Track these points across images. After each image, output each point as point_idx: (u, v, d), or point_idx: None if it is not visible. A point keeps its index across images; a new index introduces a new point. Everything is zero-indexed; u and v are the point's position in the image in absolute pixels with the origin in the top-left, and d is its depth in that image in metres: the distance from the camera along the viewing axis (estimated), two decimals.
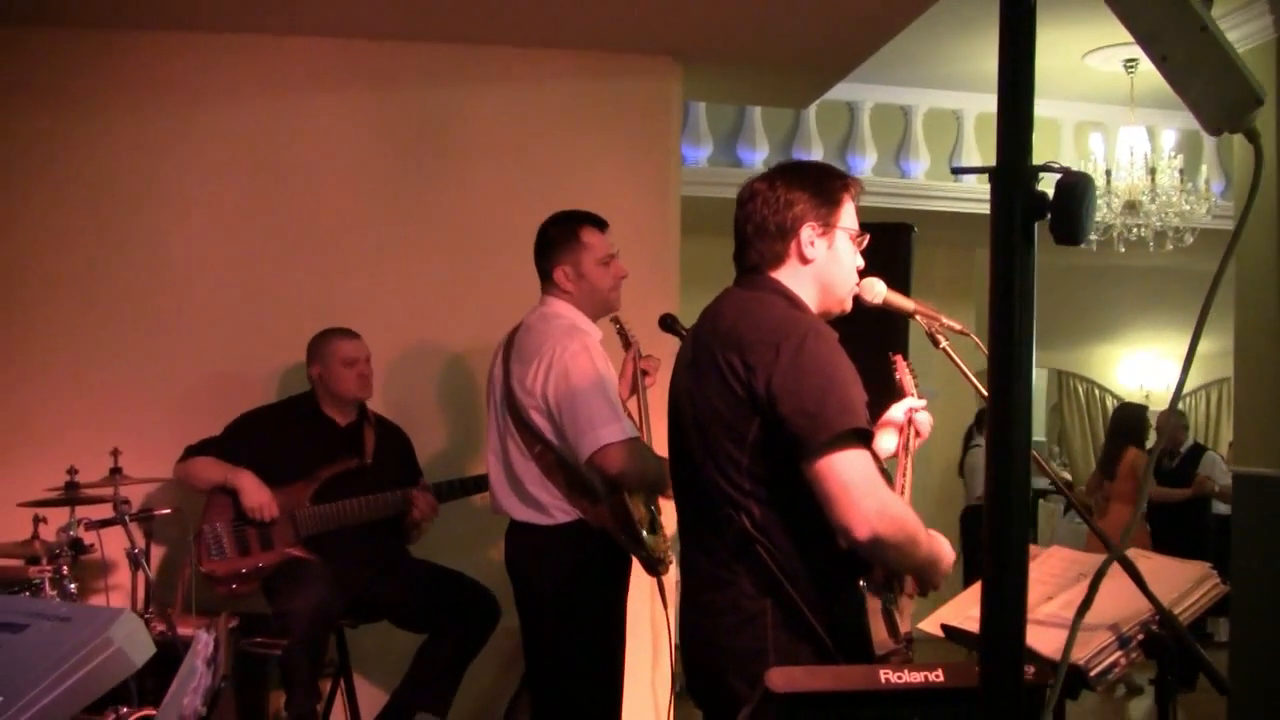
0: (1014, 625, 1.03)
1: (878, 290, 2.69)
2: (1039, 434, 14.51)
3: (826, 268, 2.59)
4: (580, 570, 3.69)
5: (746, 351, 2.42)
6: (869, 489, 2.31)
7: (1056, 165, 1.08)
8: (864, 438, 2.35)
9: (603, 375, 3.57)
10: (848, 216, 2.60)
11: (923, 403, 2.99)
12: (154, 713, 3.74)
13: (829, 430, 2.31)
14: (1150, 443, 7.75)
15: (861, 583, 2.47)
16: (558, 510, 3.69)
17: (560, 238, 3.80)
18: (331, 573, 4.34)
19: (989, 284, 1.05)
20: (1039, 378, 16.00)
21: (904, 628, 2.54)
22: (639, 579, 3.88)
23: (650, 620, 4.61)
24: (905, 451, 2.88)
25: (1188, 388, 13.91)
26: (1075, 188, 1.04)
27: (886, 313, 2.81)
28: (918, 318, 2.69)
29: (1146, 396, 13.90)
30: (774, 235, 2.56)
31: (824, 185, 2.58)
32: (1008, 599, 1.04)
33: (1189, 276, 10.31)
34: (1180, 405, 13.93)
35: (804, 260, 2.56)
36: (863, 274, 2.70)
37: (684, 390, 2.59)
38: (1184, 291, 10.91)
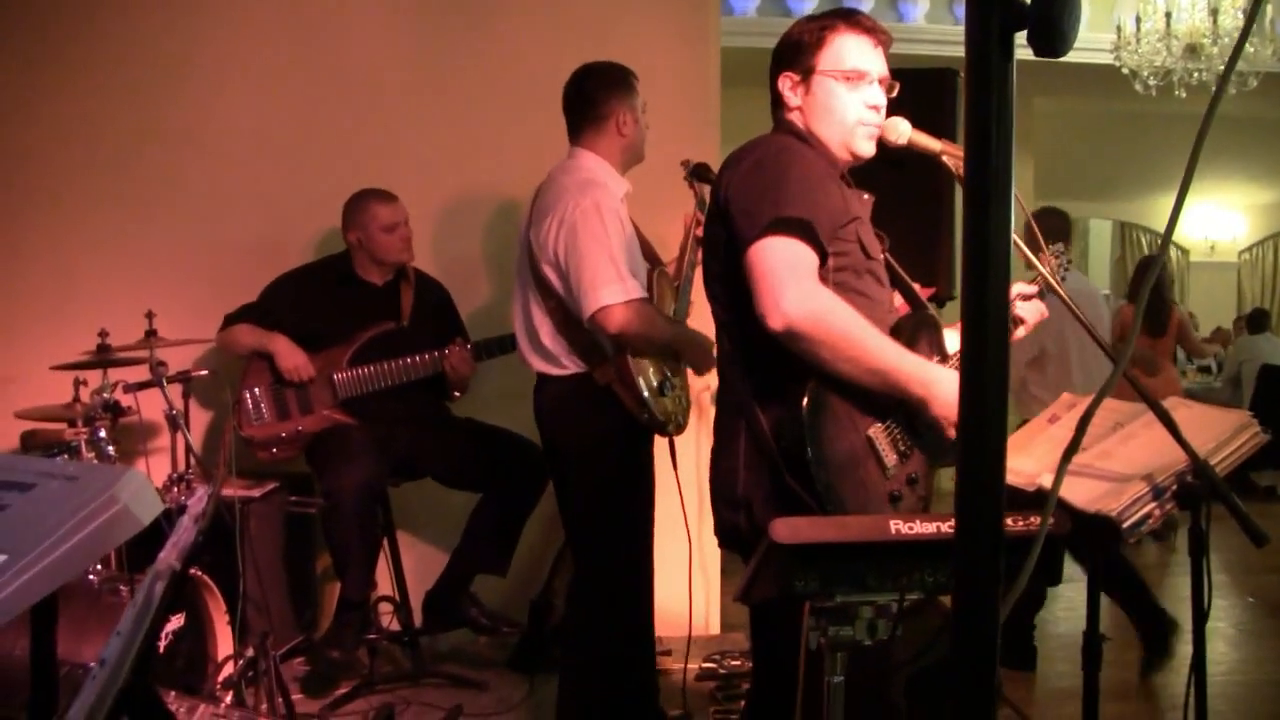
0: (992, 474, 0.96)
1: (901, 130, 2.57)
2: (1104, 286, 14.15)
3: (813, 114, 2.52)
4: (596, 420, 3.65)
5: (724, 171, 2.45)
6: (791, 276, 2.20)
7: None
8: (796, 227, 2.23)
9: (609, 234, 3.50)
10: (830, 58, 2.49)
11: (1033, 289, 2.76)
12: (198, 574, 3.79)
13: (758, 223, 2.26)
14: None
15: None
16: (570, 361, 3.66)
17: (614, 85, 3.76)
18: (373, 437, 4.35)
19: (965, 104, 0.97)
20: (1103, 229, 15.62)
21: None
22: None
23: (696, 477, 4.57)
24: None
25: (1249, 240, 13.58)
26: None
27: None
28: (945, 158, 2.56)
29: (1212, 248, 13.61)
30: (773, 88, 2.57)
31: (802, 31, 2.52)
32: (987, 442, 0.97)
33: (1255, 125, 9.97)
34: (1245, 257, 13.66)
35: (787, 108, 2.55)
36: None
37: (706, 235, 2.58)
38: (1249, 140, 10.58)
